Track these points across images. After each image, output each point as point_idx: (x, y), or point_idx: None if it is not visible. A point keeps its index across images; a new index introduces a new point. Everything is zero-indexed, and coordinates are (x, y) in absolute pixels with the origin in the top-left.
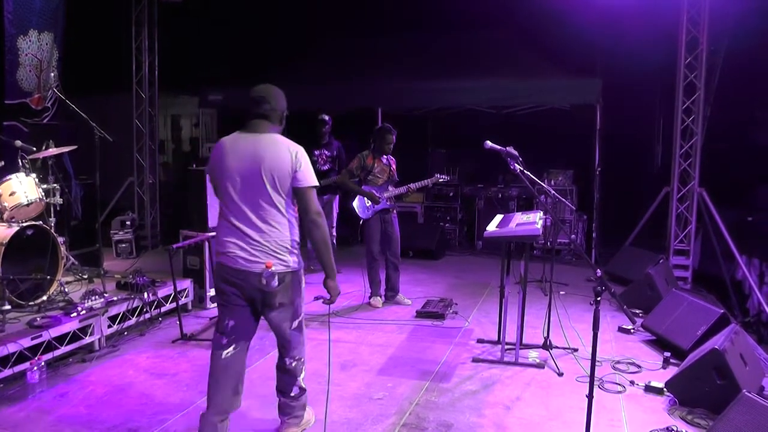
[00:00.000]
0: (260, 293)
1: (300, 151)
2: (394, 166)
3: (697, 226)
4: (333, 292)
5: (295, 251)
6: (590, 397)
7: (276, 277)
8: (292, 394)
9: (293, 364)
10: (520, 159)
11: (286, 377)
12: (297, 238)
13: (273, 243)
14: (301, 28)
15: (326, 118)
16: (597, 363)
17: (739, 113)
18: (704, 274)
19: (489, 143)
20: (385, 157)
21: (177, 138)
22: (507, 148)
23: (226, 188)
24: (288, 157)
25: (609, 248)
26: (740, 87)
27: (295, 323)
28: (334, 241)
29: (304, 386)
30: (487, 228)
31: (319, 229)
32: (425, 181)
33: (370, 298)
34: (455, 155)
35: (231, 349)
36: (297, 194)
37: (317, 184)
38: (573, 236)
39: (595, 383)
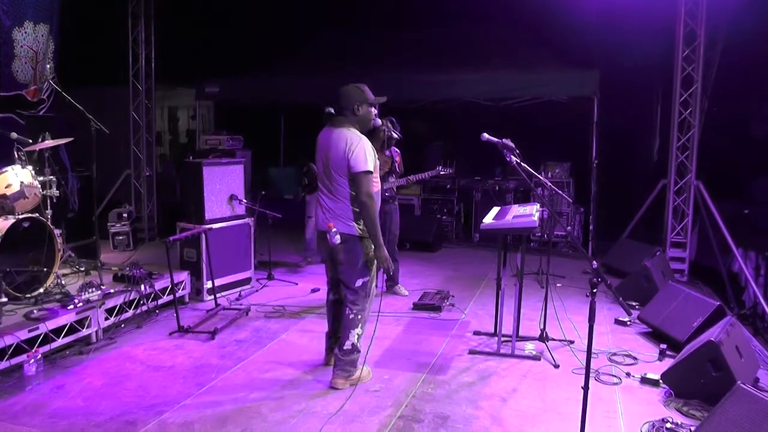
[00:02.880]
0: (330, 248)
1: (355, 143)
2: (398, 159)
3: (693, 218)
4: (379, 261)
5: (356, 221)
6: (586, 388)
7: (338, 235)
8: (345, 348)
9: (351, 316)
10: (517, 151)
11: (345, 329)
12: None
13: (338, 210)
14: (299, 21)
15: (332, 111)
16: (593, 355)
17: (736, 106)
18: (701, 267)
19: (486, 135)
20: (387, 149)
21: (174, 130)
22: (503, 140)
23: (318, 170)
24: (344, 147)
25: (606, 241)
26: (738, 80)
27: (360, 282)
28: None
29: (357, 344)
30: (484, 220)
31: (366, 209)
32: (427, 173)
33: None
34: (452, 148)
35: (331, 295)
36: (351, 178)
37: (368, 169)
38: (569, 228)
39: (591, 375)
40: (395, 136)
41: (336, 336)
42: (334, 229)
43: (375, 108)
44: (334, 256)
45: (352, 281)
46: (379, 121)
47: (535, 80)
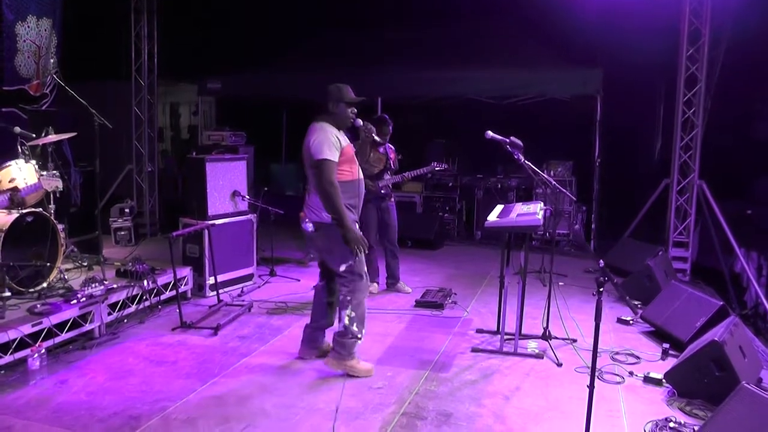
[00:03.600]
0: (307, 237)
1: (317, 133)
2: (392, 156)
3: (696, 218)
4: (351, 243)
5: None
6: (591, 387)
7: (310, 224)
8: (339, 330)
9: (341, 297)
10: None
11: (338, 310)
12: None
13: (311, 201)
14: (301, 17)
15: None
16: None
17: (740, 106)
18: (703, 267)
19: (490, 133)
20: (381, 146)
21: (176, 126)
22: (511, 138)
23: None
24: (309, 139)
25: (608, 240)
26: (742, 79)
27: (344, 266)
28: None
29: (351, 328)
30: (488, 218)
31: (327, 197)
32: (422, 169)
33: None
34: (454, 145)
35: (319, 281)
36: (314, 167)
37: (326, 157)
38: (577, 227)
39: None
40: (377, 139)
41: (314, 324)
42: (306, 219)
43: (353, 107)
44: (312, 244)
45: (335, 266)
46: (360, 121)
47: (537, 78)
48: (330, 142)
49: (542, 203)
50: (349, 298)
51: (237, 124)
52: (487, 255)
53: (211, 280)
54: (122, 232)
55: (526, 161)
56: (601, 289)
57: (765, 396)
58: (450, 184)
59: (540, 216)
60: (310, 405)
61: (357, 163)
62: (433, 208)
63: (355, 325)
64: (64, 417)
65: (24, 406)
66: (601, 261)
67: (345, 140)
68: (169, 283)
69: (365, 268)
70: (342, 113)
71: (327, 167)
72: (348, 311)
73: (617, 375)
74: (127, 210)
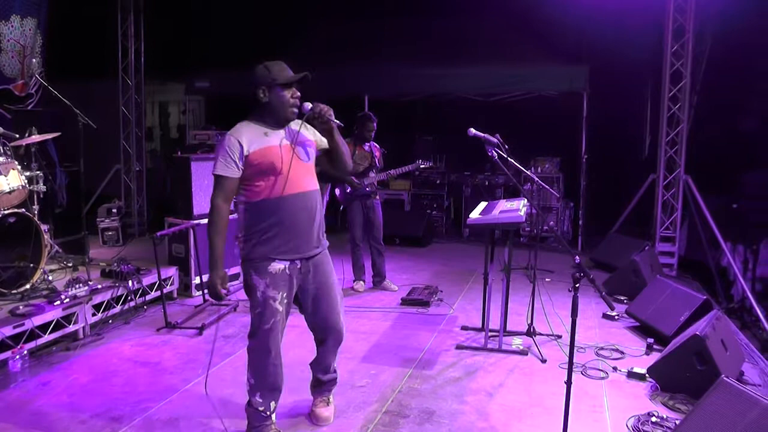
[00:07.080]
0: None
1: (221, 140)
2: (377, 153)
3: (683, 213)
4: (209, 288)
5: (244, 241)
6: (569, 383)
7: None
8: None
9: None
10: (506, 147)
11: None
12: (246, 230)
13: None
14: (288, 14)
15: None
16: (581, 349)
17: (725, 101)
18: (690, 261)
19: (473, 130)
20: (367, 144)
21: (165, 125)
22: (493, 135)
23: None
24: None
25: (595, 235)
26: (727, 74)
27: (254, 310)
28: None
29: (252, 396)
30: (471, 215)
31: (209, 216)
32: (407, 167)
33: (353, 282)
34: (442, 142)
35: None
36: None
37: (216, 172)
38: (551, 223)
39: (578, 370)
40: (337, 122)
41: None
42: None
43: (293, 89)
44: None
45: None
46: (308, 105)
47: (524, 75)
48: (225, 151)
49: (526, 200)
50: (248, 356)
51: (226, 123)
52: (474, 252)
53: (197, 280)
54: (110, 233)
55: (509, 158)
56: (577, 285)
57: (743, 389)
58: (438, 182)
59: (522, 213)
60: (293, 405)
61: (288, 172)
62: (421, 206)
63: (255, 395)
64: (44, 419)
65: (4, 409)
66: (577, 257)
67: (262, 142)
68: (155, 283)
69: (267, 325)
70: (277, 100)
71: (217, 186)
72: (247, 372)
73: (601, 370)
74: (114, 210)
